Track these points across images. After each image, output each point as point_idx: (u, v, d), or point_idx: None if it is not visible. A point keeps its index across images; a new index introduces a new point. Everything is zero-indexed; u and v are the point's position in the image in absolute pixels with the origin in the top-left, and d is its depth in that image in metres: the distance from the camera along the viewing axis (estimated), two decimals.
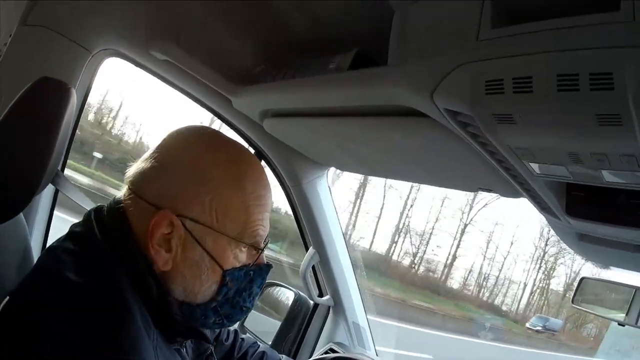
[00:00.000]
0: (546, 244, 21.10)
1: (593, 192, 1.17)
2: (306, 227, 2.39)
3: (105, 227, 1.05)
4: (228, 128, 2.21)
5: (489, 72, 0.93)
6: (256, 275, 1.16)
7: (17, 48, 1.59)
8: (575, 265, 20.16)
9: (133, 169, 1.11)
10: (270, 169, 2.32)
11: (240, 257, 1.11)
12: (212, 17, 1.86)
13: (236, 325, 1.95)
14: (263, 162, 2.30)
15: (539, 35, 0.88)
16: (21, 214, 1.23)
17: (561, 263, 20.89)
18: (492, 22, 0.97)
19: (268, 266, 1.20)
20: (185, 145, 1.12)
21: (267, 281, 1.24)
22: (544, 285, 21.31)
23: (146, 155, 1.13)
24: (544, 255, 21.48)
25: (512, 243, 22.07)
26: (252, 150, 2.28)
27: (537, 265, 21.45)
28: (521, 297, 21.16)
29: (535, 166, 1.10)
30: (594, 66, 0.79)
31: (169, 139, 1.14)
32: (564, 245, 2.68)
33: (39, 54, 1.60)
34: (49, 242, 1.36)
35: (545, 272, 21.41)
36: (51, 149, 1.12)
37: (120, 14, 1.73)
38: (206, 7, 1.82)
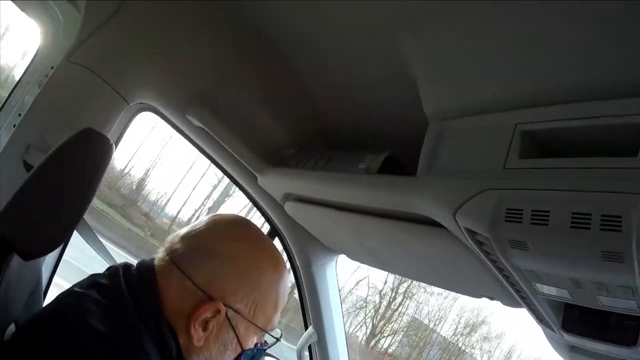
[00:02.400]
0: None
1: (588, 311, 1.22)
2: (309, 307, 2.42)
3: (132, 286, 1.11)
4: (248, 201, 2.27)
5: (511, 200, 1.02)
6: (257, 353, 1.26)
7: (57, 83, 1.61)
8: None
9: (178, 244, 1.19)
10: (283, 247, 2.36)
11: (254, 340, 1.22)
12: (252, 95, 1.92)
13: None
14: (277, 240, 2.35)
15: (560, 173, 0.97)
16: None
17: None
18: (520, 153, 1.06)
19: (270, 346, 1.31)
20: (238, 241, 1.20)
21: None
22: None
23: (193, 234, 1.21)
24: None
25: None
26: (269, 227, 2.35)
27: None
28: None
29: (539, 286, 1.16)
30: (606, 209, 0.87)
31: (219, 228, 1.23)
32: None
33: (77, 94, 1.62)
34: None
35: None
36: (89, 198, 1.17)
37: (164, 73, 1.78)
38: (249, 85, 1.89)
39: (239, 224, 1.26)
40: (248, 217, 1.34)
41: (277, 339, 1.29)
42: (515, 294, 1.32)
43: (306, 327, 2.50)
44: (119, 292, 1.08)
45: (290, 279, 1.39)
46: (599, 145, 0.98)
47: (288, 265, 2.32)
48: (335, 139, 1.95)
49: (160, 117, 1.93)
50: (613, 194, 0.88)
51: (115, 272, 1.15)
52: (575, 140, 1.03)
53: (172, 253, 1.17)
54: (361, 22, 1.42)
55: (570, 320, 1.28)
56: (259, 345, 1.25)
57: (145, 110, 1.90)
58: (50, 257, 1.79)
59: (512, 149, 1.08)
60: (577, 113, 1.01)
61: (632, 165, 0.88)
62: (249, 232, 1.26)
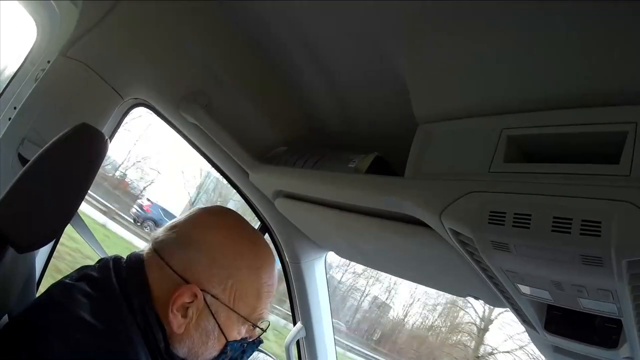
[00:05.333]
0: None
1: (570, 313, 1.24)
2: (298, 303, 2.44)
3: (122, 278, 1.14)
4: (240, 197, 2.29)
5: (494, 203, 1.04)
6: (248, 348, 1.28)
7: (53, 77, 1.63)
8: None
9: (161, 234, 1.23)
10: (273, 243, 2.38)
11: (241, 331, 1.23)
12: (246, 93, 1.94)
13: None
14: (267, 236, 2.37)
15: (543, 178, 1.00)
16: None
17: None
18: (505, 157, 1.10)
19: (260, 342, 1.32)
20: (216, 229, 1.23)
21: None
22: None
23: (176, 224, 1.25)
24: None
25: None
26: (259, 223, 2.37)
27: None
28: None
29: (522, 287, 1.19)
30: (586, 214, 0.90)
31: (199, 217, 1.27)
32: None
33: (72, 88, 1.64)
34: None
35: None
36: (84, 192, 1.18)
37: (159, 70, 1.80)
38: (242, 84, 1.92)
39: (218, 213, 1.30)
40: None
41: (263, 330, 1.30)
42: (499, 293, 1.34)
43: (294, 323, 2.52)
44: (109, 284, 1.11)
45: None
46: (583, 151, 1.01)
47: (278, 260, 2.35)
48: (326, 138, 1.97)
49: (154, 112, 1.94)
50: (594, 200, 0.90)
51: (106, 264, 1.17)
52: (559, 147, 1.06)
53: (155, 243, 1.21)
54: (353, 29, 1.45)
55: (553, 321, 1.30)
56: (248, 339, 1.27)
57: (139, 106, 1.92)
58: (44, 248, 1.80)
59: (497, 153, 1.11)
60: (562, 120, 1.03)
61: (613, 172, 0.91)
62: (227, 220, 1.29)
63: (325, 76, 1.75)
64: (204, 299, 1.15)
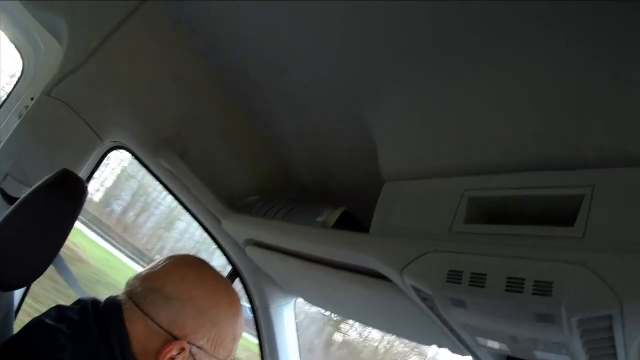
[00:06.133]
0: None
1: None
2: (267, 348, 2.44)
3: (103, 325, 1.16)
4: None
5: (452, 263, 1.09)
6: None
7: (36, 116, 1.67)
8: None
9: (139, 285, 1.25)
10: (244, 288, 2.38)
11: None
12: (223, 142, 1.99)
13: None
14: (238, 281, 2.37)
15: (500, 239, 1.05)
16: None
17: None
18: (466, 218, 1.15)
19: None
20: (197, 283, 1.27)
21: None
22: None
23: (153, 276, 1.27)
24: None
25: None
26: (230, 267, 2.38)
27: None
28: None
29: (480, 339, 1.22)
30: (539, 275, 0.94)
31: (178, 271, 1.30)
32: None
33: (54, 128, 1.69)
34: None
35: None
36: (66, 235, 1.23)
37: (139, 115, 1.84)
38: (219, 134, 1.96)
39: (194, 265, 1.33)
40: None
41: None
42: (461, 345, 1.37)
43: None
44: (90, 329, 1.14)
45: None
46: (542, 213, 1.05)
47: (248, 305, 2.36)
48: (298, 190, 2.01)
49: (133, 155, 1.98)
50: (546, 262, 0.95)
51: (85, 307, 1.19)
52: (519, 208, 1.10)
53: (134, 296, 1.23)
54: (327, 90, 1.52)
55: None
56: None
57: (118, 149, 1.94)
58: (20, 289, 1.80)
59: (458, 214, 1.16)
60: (523, 182, 1.09)
61: (567, 234, 0.96)
62: (204, 272, 1.33)
63: (299, 130, 1.81)
64: (190, 350, 1.19)
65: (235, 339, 1.30)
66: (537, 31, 0.99)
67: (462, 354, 1.56)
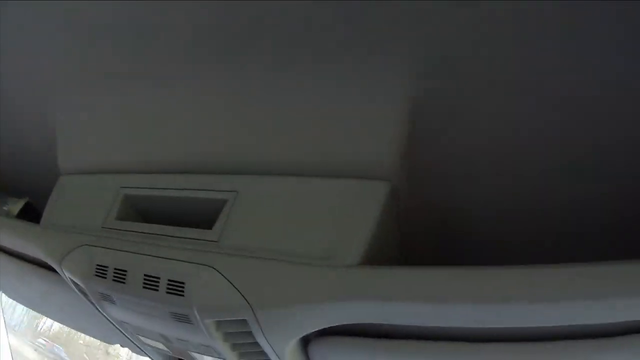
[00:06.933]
0: None
1: None
2: None
3: None
4: None
5: (100, 258, 1.10)
6: None
7: None
8: None
9: None
10: None
11: None
12: None
13: None
14: None
15: (145, 237, 1.09)
16: None
17: None
18: (119, 215, 1.16)
19: None
20: None
21: None
22: None
23: None
24: None
25: None
26: None
27: None
28: None
29: (143, 338, 1.24)
30: (172, 274, 0.97)
31: None
32: None
33: None
34: None
35: None
36: None
37: None
38: None
39: None
40: None
41: None
42: (133, 342, 1.38)
43: None
44: None
45: None
46: (189, 216, 1.08)
47: None
48: None
49: None
50: (181, 262, 0.98)
51: None
52: (170, 209, 1.13)
53: None
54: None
55: None
56: None
57: None
58: None
59: (112, 210, 1.17)
60: (176, 184, 1.12)
61: (204, 237, 1.00)
62: None
63: None
64: None
65: None
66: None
67: (140, 353, 1.57)
